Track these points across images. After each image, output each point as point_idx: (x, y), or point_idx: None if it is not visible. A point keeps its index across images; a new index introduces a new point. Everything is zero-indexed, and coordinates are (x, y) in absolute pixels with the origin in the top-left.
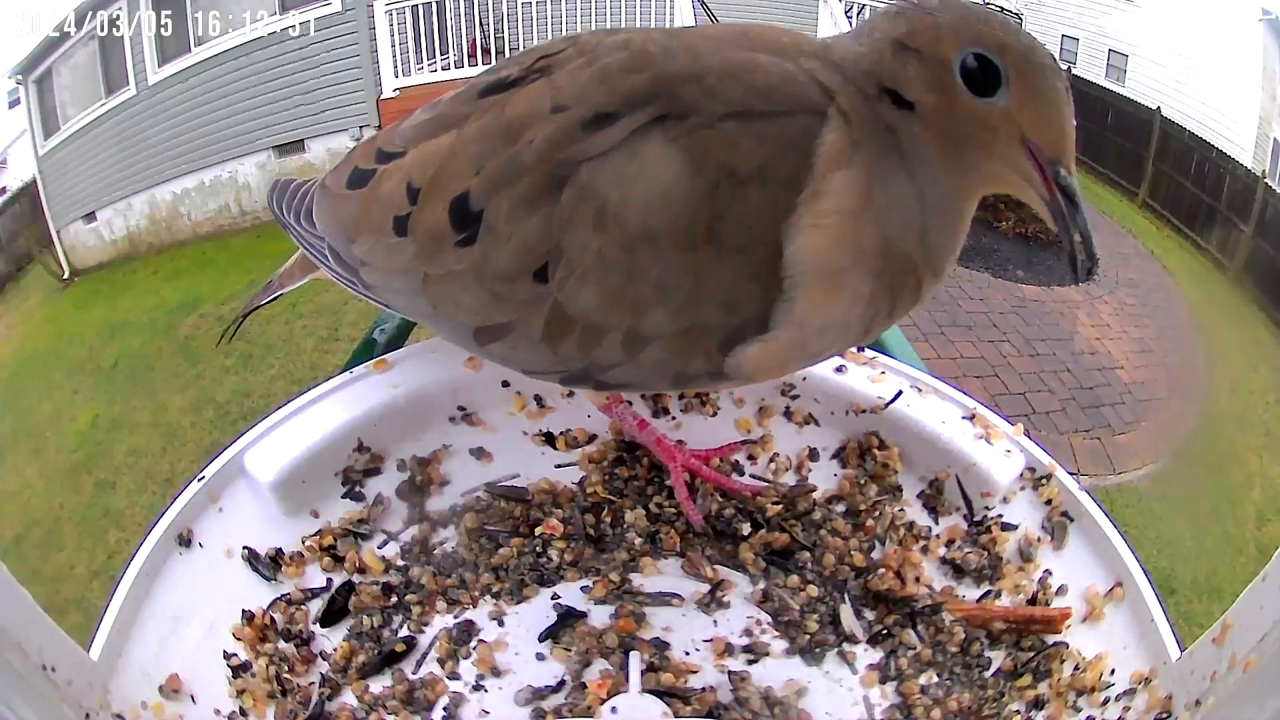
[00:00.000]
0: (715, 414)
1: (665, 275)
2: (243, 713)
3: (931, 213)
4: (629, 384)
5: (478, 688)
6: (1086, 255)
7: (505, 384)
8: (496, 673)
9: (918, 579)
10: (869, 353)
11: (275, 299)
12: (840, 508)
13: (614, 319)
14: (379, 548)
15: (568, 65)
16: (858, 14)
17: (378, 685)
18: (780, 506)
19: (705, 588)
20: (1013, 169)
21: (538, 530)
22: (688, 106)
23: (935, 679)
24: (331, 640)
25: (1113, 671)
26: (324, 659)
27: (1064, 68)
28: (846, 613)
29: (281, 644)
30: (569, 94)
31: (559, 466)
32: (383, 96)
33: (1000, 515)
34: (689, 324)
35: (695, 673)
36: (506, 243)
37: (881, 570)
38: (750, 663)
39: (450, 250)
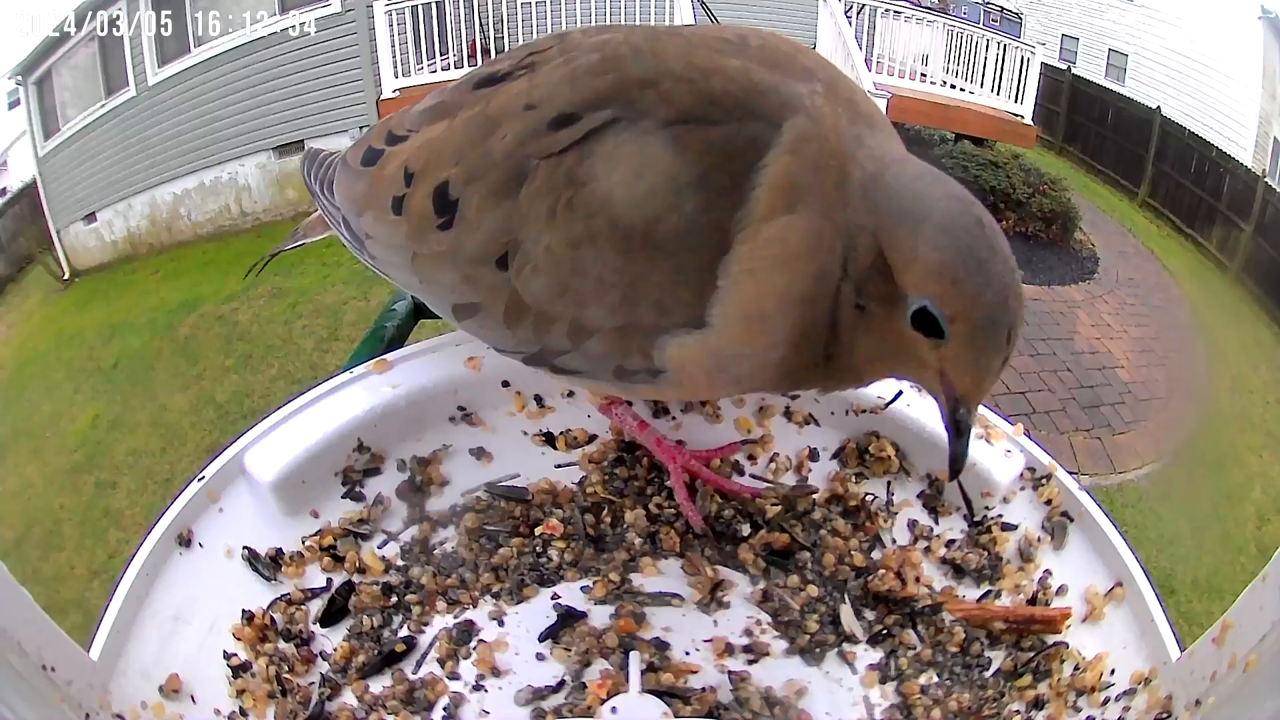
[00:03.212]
0: (715, 414)
1: (604, 273)
2: (243, 713)
3: (841, 345)
4: (579, 371)
5: (478, 688)
6: (952, 470)
7: (505, 384)
8: (496, 673)
9: (918, 579)
10: None
11: (298, 246)
12: (840, 508)
13: (560, 310)
14: (379, 548)
15: (549, 63)
16: (857, 14)
17: (378, 685)
18: (780, 507)
19: (705, 588)
20: (925, 381)
21: (538, 530)
22: (640, 111)
23: (935, 679)
24: (331, 640)
25: (1113, 671)
26: (324, 659)
27: (991, 231)
28: (846, 613)
29: (281, 644)
30: (541, 93)
31: (559, 466)
32: (383, 97)
33: (1000, 515)
34: (625, 321)
35: (695, 673)
36: (475, 231)
37: (881, 570)
38: (750, 663)
39: (432, 232)
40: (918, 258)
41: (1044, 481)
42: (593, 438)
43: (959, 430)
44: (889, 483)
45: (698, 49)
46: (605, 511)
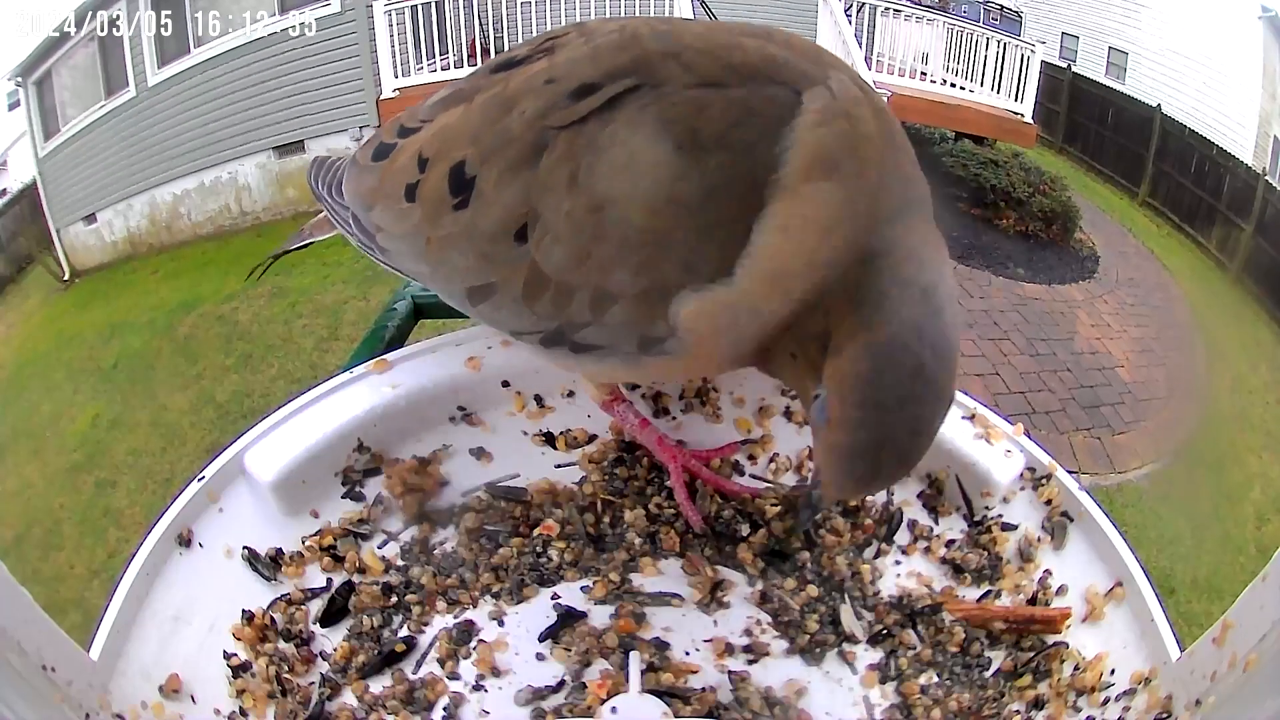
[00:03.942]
0: (715, 414)
1: (627, 234)
2: (243, 713)
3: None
4: (599, 345)
5: (478, 688)
6: (794, 529)
7: (505, 384)
8: (496, 673)
9: (918, 579)
10: None
11: (305, 246)
12: (840, 508)
13: (581, 278)
14: (379, 548)
15: (569, 46)
16: (857, 13)
17: (378, 685)
18: (780, 507)
19: (705, 588)
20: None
21: (537, 530)
22: (663, 78)
23: (935, 679)
24: (331, 640)
25: (1113, 671)
26: (324, 659)
27: (924, 377)
28: (846, 613)
29: (281, 644)
30: (562, 69)
31: (559, 466)
32: (382, 97)
33: (1000, 515)
34: (648, 283)
35: (695, 673)
36: (493, 206)
37: (881, 570)
38: (750, 663)
39: (447, 214)
40: (842, 357)
41: (1044, 481)
42: (593, 438)
43: (807, 503)
44: None
45: (717, 32)
46: (605, 511)
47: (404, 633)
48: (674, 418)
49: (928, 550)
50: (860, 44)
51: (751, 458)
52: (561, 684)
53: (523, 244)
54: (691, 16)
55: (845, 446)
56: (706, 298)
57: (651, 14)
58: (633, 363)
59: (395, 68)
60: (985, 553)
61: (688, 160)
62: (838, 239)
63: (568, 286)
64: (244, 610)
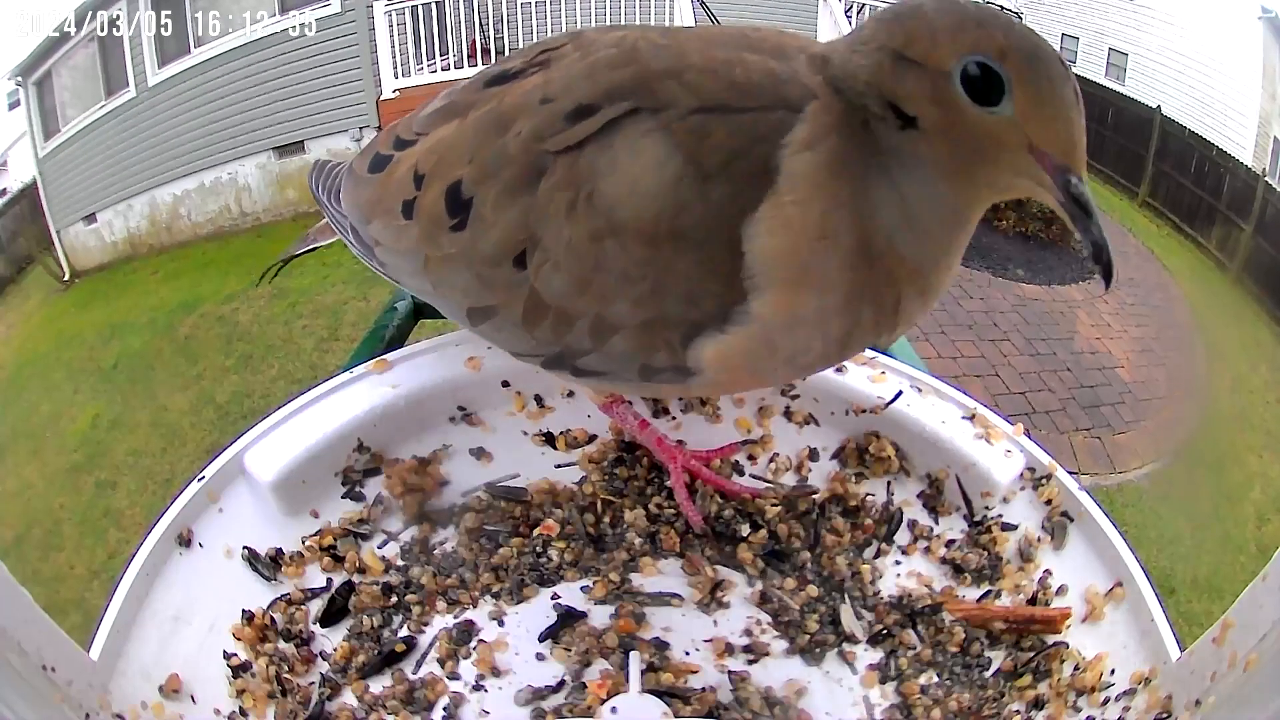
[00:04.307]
0: (715, 414)
1: (629, 265)
2: (243, 713)
3: (920, 225)
4: (601, 372)
5: (478, 688)
6: (1098, 264)
7: (505, 384)
8: (496, 673)
9: (918, 579)
10: (869, 353)
11: (310, 251)
12: (840, 508)
13: (582, 307)
14: (379, 548)
15: (565, 59)
16: (857, 14)
17: (378, 685)
18: (780, 507)
19: (705, 588)
20: (1025, 176)
21: (537, 530)
22: (664, 100)
23: (935, 679)
24: (331, 640)
25: (1113, 671)
26: (324, 659)
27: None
28: (846, 613)
29: (281, 644)
30: (558, 87)
31: (559, 466)
32: (382, 97)
33: (1000, 515)
34: (651, 315)
35: (695, 673)
36: (491, 229)
37: (881, 570)
38: (750, 663)
39: (445, 234)
40: (938, 30)
41: (1044, 481)
42: (593, 438)
43: (1082, 208)
44: (889, 483)
45: (715, 45)
46: (605, 511)
47: (404, 633)
48: (674, 418)
49: (928, 550)
50: None
51: (751, 458)
52: (561, 684)
53: (522, 269)
54: (692, 18)
55: (1027, 45)
56: (726, 339)
57: (651, 16)
58: (641, 387)
59: (395, 68)
60: (985, 553)
61: (690, 191)
62: (844, 190)
63: (568, 314)
64: (244, 610)
